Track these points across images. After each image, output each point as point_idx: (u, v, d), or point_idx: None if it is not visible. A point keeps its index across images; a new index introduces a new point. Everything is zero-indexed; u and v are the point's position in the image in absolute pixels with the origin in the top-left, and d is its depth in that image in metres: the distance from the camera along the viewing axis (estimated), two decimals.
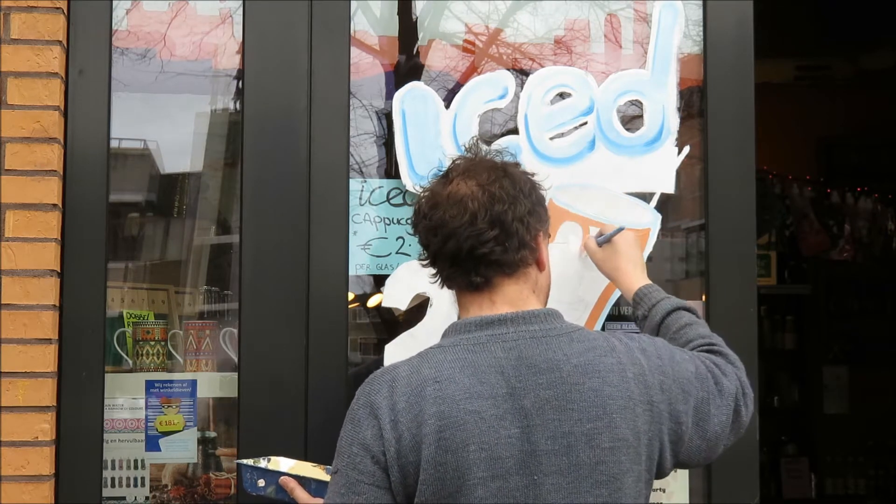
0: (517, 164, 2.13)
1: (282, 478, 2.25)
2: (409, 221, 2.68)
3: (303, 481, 2.24)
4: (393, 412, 1.90)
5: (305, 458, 2.53)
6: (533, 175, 2.12)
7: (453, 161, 2.11)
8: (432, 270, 2.09)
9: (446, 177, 2.07)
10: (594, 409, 1.92)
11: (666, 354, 2.06)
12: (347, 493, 1.91)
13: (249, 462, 2.32)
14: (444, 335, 2.04)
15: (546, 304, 2.11)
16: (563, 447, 1.89)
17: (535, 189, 2.09)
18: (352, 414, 1.96)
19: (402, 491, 1.90)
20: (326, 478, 2.24)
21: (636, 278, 2.39)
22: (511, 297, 2.03)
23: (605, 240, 2.48)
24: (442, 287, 2.10)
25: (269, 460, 2.33)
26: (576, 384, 1.93)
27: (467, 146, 2.15)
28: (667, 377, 2.02)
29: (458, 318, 2.06)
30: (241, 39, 2.71)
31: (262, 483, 2.27)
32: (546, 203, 2.13)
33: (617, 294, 2.71)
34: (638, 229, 2.72)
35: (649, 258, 2.73)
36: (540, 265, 2.08)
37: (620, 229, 2.46)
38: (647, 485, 1.98)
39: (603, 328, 2.73)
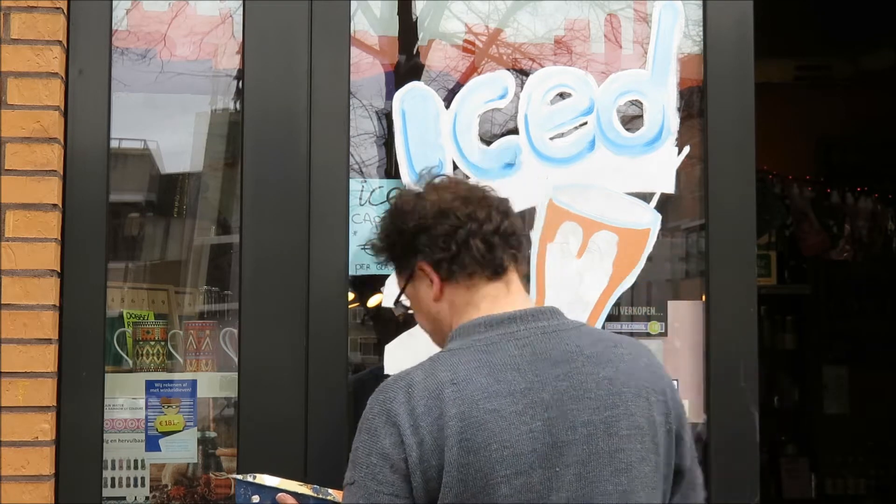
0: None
1: (279, 494, 2.23)
2: None
3: (300, 498, 2.23)
4: (412, 416, 1.89)
5: (306, 458, 2.54)
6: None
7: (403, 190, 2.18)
8: (437, 276, 2.05)
9: (417, 194, 2.09)
10: (610, 397, 1.93)
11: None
12: (366, 503, 1.90)
13: (243, 477, 2.31)
14: (452, 339, 2.03)
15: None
16: (582, 436, 1.90)
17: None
18: (367, 423, 1.94)
19: (423, 496, 1.88)
20: (321, 496, 2.24)
21: None
22: (520, 285, 2.07)
23: None
24: (448, 280, 2.05)
25: (254, 477, 2.32)
26: (591, 374, 1.94)
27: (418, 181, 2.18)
28: (673, 386, 2.05)
29: (463, 320, 2.04)
30: (241, 39, 2.71)
31: (256, 499, 2.25)
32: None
33: (617, 294, 2.71)
34: (638, 229, 2.72)
35: (649, 258, 2.74)
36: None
37: None
38: (665, 480, 1.98)
39: (603, 328, 2.73)
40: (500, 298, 2.03)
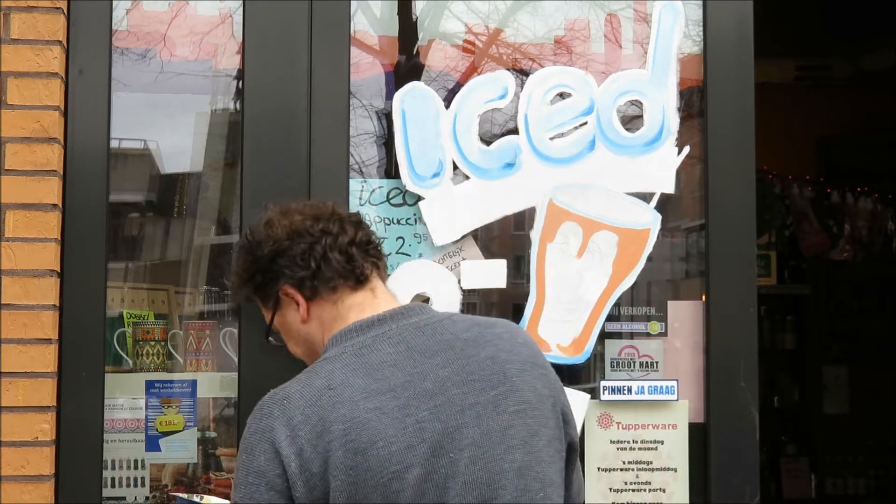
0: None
1: None
2: (408, 222, 2.69)
3: None
4: (289, 427, 1.89)
5: None
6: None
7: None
8: (302, 296, 2.09)
9: (266, 223, 2.14)
10: (495, 375, 1.94)
11: None
12: None
13: (187, 497, 2.31)
14: (326, 349, 2.04)
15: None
16: (472, 418, 1.90)
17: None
18: (244, 444, 1.94)
19: None
20: None
21: None
22: (386, 290, 2.10)
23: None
24: (313, 298, 2.09)
25: (201, 498, 2.32)
26: (471, 356, 1.95)
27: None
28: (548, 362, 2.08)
29: (334, 332, 2.06)
30: (241, 39, 2.71)
31: None
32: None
33: (617, 294, 2.71)
34: (638, 229, 2.72)
35: (649, 258, 2.74)
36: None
37: None
38: (559, 454, 1.98)
39: (603, 328, 2.73)
40: (366, 305, 2.06)
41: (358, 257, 2.09)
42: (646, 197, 2.75)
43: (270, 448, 1.89)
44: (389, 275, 2.14)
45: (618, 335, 2.83)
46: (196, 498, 2.30)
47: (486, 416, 1.91)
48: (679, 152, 2.76)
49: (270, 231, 2.12)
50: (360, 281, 2.08)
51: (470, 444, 1.89)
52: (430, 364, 1.94)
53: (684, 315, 2.84)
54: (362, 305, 2.06)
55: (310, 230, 2.09)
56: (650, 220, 2.74)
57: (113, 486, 2.73)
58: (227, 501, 2.33)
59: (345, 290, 2.08)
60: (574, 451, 2.04)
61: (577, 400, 2.66)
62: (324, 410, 1.89)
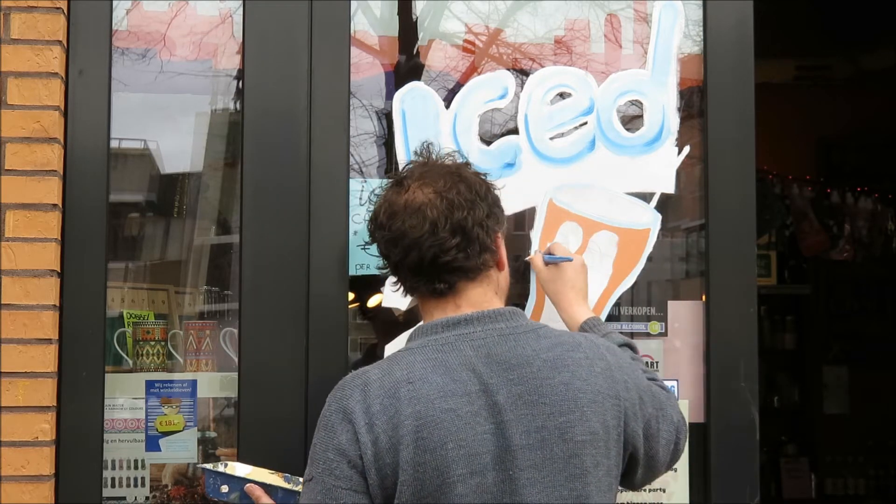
0: (469, 165, 2.16)
1: (248, 485, 2.24)
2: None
3: (269, 489, 2.24)
4: (368, 415, 1.91)
5: (306, 458, 2.53)
6: (486, 175, 2.14)
7: (405, 167, 2.13)
8: (393, 279, 2.10)
9: (400, 184, 2.08)
10: (565, 402, 1.93)
11: (626, 360, 2.10)
12: (325, 499, 1.92)
13: (212, 466, 2.31)
14: (410, 339, 2.05)
15: (505, 302, 2.12)
16: (536, 441, 1.91)
17: (490, 190, 2.11)
18: (324, 420, 1.96)
19: (380, 494, 1.90)
20: (291, 486, 2.24)
21: (580, 308, 2.39)
22: (475, 300, 2.05)
23: (552, 260, 2.46)
24: (405, 296, 2.11)
25: (225, 465, 2.33)
26: (546, 379, 1.94)
27: (418, 150, 2.16)
28: (630, 378, 2.05)
29: (423, 322, 2.07)
30: (241, 39, 2.71)
31: (225, 489, 2.25)
32: (502, 203, 2.14)
33: (617, 294, 2.71)
34: (638, 229, 2.72)
35: (649, 258, 2.74)
36: (500, 265, 2.11)
37: (569, 259, 2.45)
38: (615, 480, 2.00)
39: None
40: (448, 313, 2.05)
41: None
42: (646, 197, 2.75)
43: (352, 430, 1.91)
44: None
45: None
46: (221, 467, 2.31)
47: (551, 441, 1.91)
48: (679, 152, 2.76)
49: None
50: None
51: (530, 466, 1.90)
52: (505, 378, 1.94)
53: (684, 315, 2.84)
54: (479, 303, 2.05)
55: None
56: (650, 220, 2.74)
57: (113, 486, 2.73)
58: (250, 466, 2.34)
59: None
60: (643, 459, 2.06)
61: None
62: (400, 404, 1.90)
